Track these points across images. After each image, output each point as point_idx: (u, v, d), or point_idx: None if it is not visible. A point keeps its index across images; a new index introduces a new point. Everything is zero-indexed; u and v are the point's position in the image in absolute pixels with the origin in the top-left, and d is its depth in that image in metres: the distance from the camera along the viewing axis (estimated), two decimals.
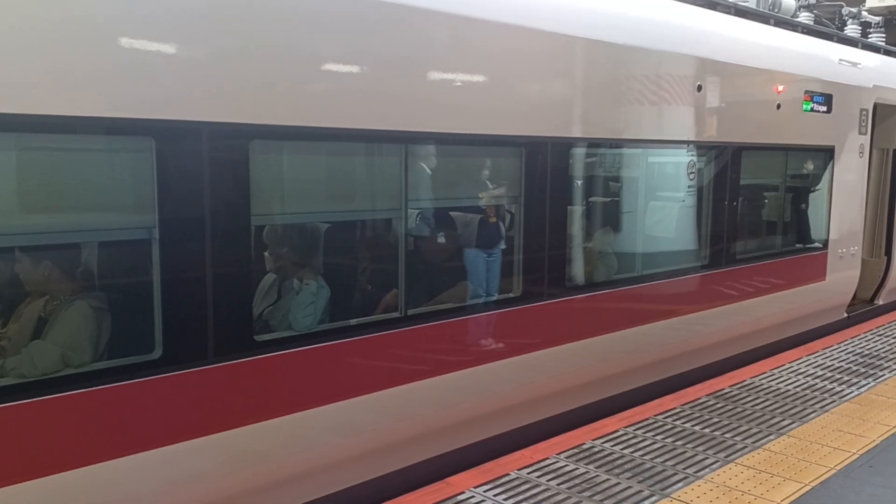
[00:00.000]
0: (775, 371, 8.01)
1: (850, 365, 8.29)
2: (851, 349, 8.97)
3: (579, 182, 6.98)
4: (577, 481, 5.32)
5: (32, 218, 4.15)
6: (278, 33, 4.70)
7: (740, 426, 6.41)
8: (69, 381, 4.08)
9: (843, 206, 10.44)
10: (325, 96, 4.97)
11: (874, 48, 12.09)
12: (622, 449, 5.88)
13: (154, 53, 4.20)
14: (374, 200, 5.75)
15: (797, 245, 10.10)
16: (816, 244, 10.17)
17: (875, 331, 9.95)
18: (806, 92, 9.42)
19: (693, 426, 6.38)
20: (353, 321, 5.42)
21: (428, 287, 5.99)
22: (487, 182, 6.37)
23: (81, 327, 4.32)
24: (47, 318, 4.37)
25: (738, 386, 7.47)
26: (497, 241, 6.37)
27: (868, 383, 7.65)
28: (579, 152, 6.84)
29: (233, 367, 4.63)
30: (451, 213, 6.36)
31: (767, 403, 6.99)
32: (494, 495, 5.08)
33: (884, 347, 9.05)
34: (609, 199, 7.64)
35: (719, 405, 6.92)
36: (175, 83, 4.27)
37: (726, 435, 6.21)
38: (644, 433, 6.20)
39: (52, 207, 4.18)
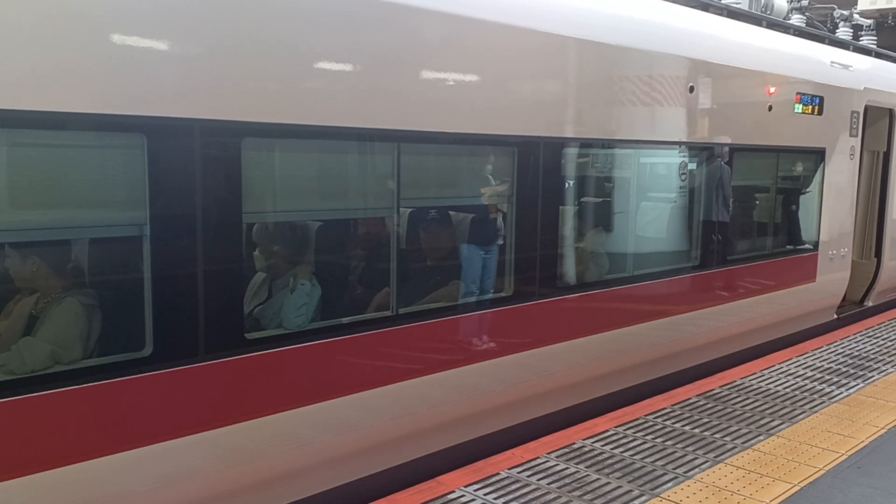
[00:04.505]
0: (765, 372, 8.04)
1: (839, 366, 8.32)
2: (841, 350, 9.01)
3: (571, 182, 6.99)
4: (567, 481, 5.33)
5: (23, 214, 4.13)
6: (271, 30, 4.69)
7: (730, 427, 6.43)
8: (59, 379, 4.07)
9: (833, 207, 10.48)
10: (318, 94, 4.97)
11: (865, 51, 12.14)
12: (612, 449, 5.89)
13: (146, 50, 4.18)
14: (367, 199, 5.75)
15: (788, 246, 10.13)
16: (807, 246, 10.21)
17: (865, 332, 10.00)
18: (797, 94, 9.45)
19: (683, 426, 6.40)
20: (345, 320, 5.42)
21: (420, 286, 6.00)
22: (480, 181, 6.38)
23: (72, 324, 4.31)
24: (38, 315, 4.35)
25: (728, 386, 7.50)
26: (488, 241, 6.37)
27: (857, 384, 7.69)
28: (571, 152, 6.85)
29: (223, 364, 4.62)
30: (444, 211, 6.36)
31: (757, 404, 7.02)
32: (485, 494, 5.08)
33: (873, 349, 9.10)
34: (601, 200, 7.65)
35: (709, 405, 6.94)
36: (167, 80, 4.26)
37: (716, 435, 6.23)
38: (634, 433, 6.22)
39: (43, 204, 4.16)
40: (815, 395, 7.31)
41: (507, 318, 6.32)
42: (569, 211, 6.94)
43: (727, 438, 6.18)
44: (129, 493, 4.35)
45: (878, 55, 12.43)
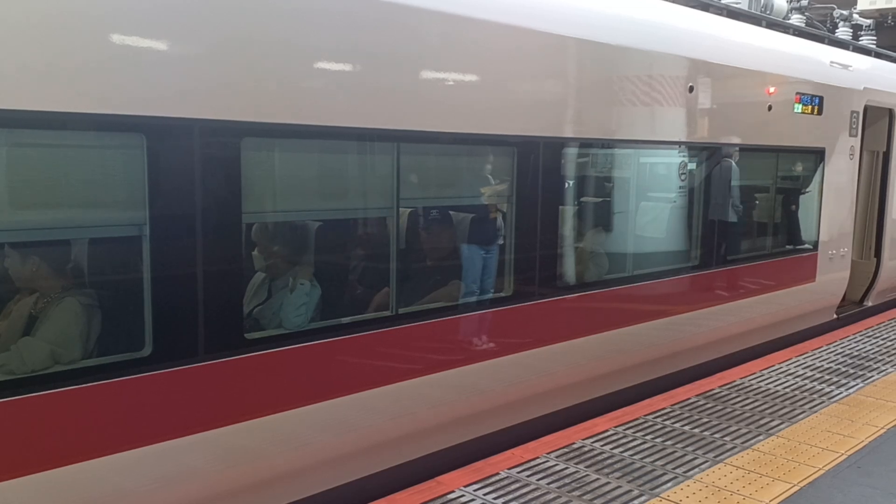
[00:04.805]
0: (765, 372, 8.04)
1: (839, 366, 8.32)
2: (841, 350, 9.01)
3: (571, 182, 6.99)
4: (567, 481, 5.33)
5: (23, 215, 4.13)
6: (270, 30, 4.69)
7: (730, 426, 6.43)
8: (59, 379, 4.07)
9: (833, 207, 10.48)
10: (317, 94, 4.97)
11: (865, 51, 12.14)
12: (612, 448, 5.89)
13: (145, 49, 4.18)
14: (367, 199, 5.75)
15: (787, 246, 10.14)
16: (807, 245, 10.21)
17: (864, 332, 10.01)
18: (797, 94, 9.46)
19: (683, 426, 6.40)
20: (344, 320, 5.42)
21: (419, 286, 6.00)
22: (480, 181, 6.38)
23: (71, 324, 4.31)
24: (37, 315, 4.35)
25: (728, 386, 7.50)
26: (488, 240, 6.37)
27: (857, 384, 7.69)
28: (571, 152, 6.85)
29: (223, 364, 4.62)
30: (444, 211, 6.36)
31: (757, 404, 7.02)
32: (485, 494, 5.08)
33: (873, 349, 9.10)
34: (600, 200, 7.65)
35: (709, 405, 6.94)
36: (167, 80, 4.26)
37: (716, 435, 6.23)
38: (634, 433, 6.22)
39: (43, 204, 4.16)
40: (815, 395, 7.31)
41: (506, 318, 6.32)
42: (569, 211, 6.95)
43: (727, 438, 6.18)
44: (129, 493, 4.35)
45: (878, 55, 12.43)
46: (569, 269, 6.97)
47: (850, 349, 9.06)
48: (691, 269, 8.33)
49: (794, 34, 10.31)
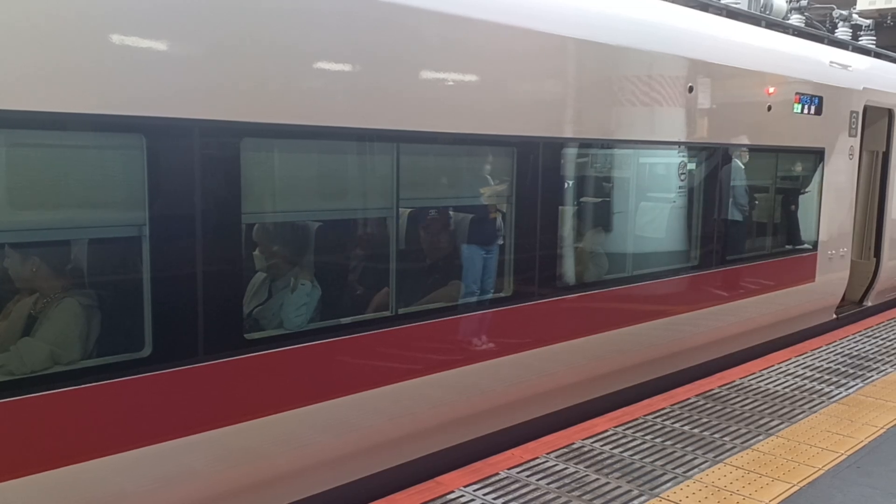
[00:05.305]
0: (764, 372, 8.04)
1: (838, 366, 8.33)
2: (840, 350, 9.01)
3: (570, 182, 6.99)
4: (566, 481, 5.33)
5: (22, 215, 4.13)
6: (270, 31, 4.69)
7: (729, 426, 6.43)
8: (59, 379, 4.07)
9: (832, 207, 10.48)
10: (317, 94, 4.97)
11: (864, 51, 12.15)
12: (612, 449, 5.89)
13: (145, 50, 4.18)
14: (366, 199, 5.75)
15: (787, 246, 10.14)
16: (806, 246, 10.22)
17: (864, 332, 10.01)
18: (796, 94, 9.46)
19: (682, 426, 6.40)
20: (344, 320, 5.42)
21: (419, 286, 6.00)
22: (480, 182, 6.38)
23: (71, 325, 4.31)
24: (37, 315, 4.35)
25: (728, 386, 7.50)
26: (488, 241, 6.38)
27: (856, 384, 7.69)
28: (570, 152, 6.85)
29: (223, 365, 4.62)
30: (444, 211, 6.36)
31: (756, 404, 7.02)
32: (484, 494, 5.09)
33: (872, 349, 9.10)
34: (600, 200, 7.66)
35: (708, 405, 6.94)
36: (166, 80, 4.26)
37: (715, 435, 6.24)
38: (634, 433, 6.22)
39: (43, 204, 4.16)
40: (815, 395, 7.32)
41: (506, 318, 6.32)
42: (569, 211, 6.95)
43: (726, 438, 6.18)
44: (130, 493, 4.35)
45: (877, 55, 12.43)
46: (568, 269, 6.98)
47: (849, 349, 9.06)
48: (691, 269, 8.33)
49: (793, 34, 10.31)
